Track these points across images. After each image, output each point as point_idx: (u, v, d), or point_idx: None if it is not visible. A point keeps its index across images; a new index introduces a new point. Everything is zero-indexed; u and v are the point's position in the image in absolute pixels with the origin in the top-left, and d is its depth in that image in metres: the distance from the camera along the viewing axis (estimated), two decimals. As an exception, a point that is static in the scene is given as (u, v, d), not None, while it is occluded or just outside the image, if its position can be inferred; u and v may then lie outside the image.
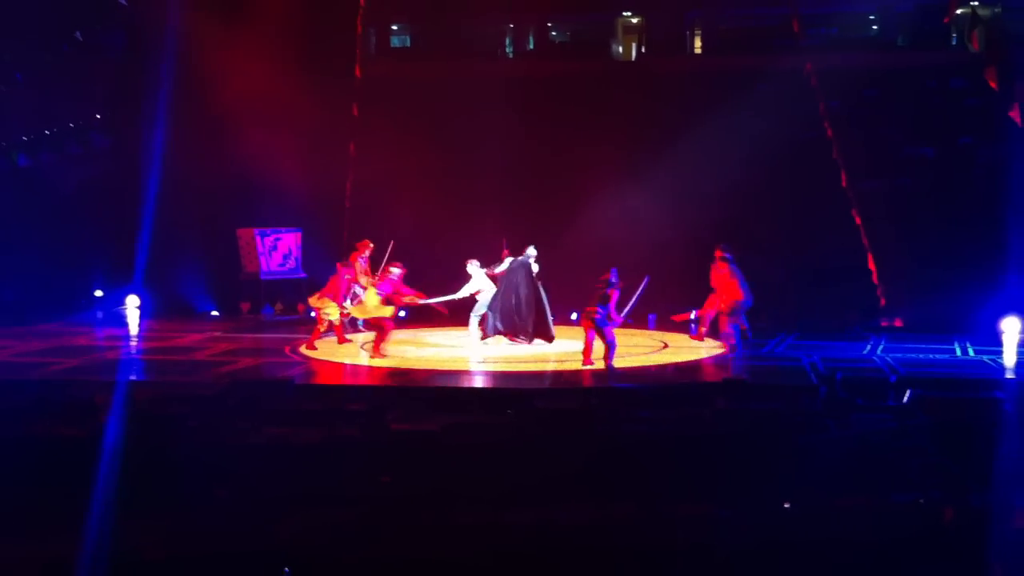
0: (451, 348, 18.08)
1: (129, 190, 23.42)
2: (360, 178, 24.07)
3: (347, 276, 17.70)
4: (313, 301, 17.63)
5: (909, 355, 16.98)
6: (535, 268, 18.17)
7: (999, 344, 17.82)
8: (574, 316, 19.02)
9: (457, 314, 19.17)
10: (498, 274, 18.23)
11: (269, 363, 16.77)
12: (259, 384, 14.44)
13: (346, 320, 18.29)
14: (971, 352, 17.38)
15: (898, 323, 20.64)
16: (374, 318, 16.65)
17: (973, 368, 16.13)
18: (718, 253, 17.57)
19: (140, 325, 21.84)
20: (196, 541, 7.79)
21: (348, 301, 17.81)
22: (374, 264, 18.26)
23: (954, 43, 26.09)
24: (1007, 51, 19.06)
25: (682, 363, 16.60)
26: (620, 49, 29.53)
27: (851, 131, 22.90)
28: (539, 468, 9.12)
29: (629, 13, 29.50)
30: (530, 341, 17.95)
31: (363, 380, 15.52)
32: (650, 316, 20.04)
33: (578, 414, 11.77)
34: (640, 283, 17.06)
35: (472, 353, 17.49)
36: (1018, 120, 18.56)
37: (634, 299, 16.62)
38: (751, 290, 17.46)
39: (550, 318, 18.17)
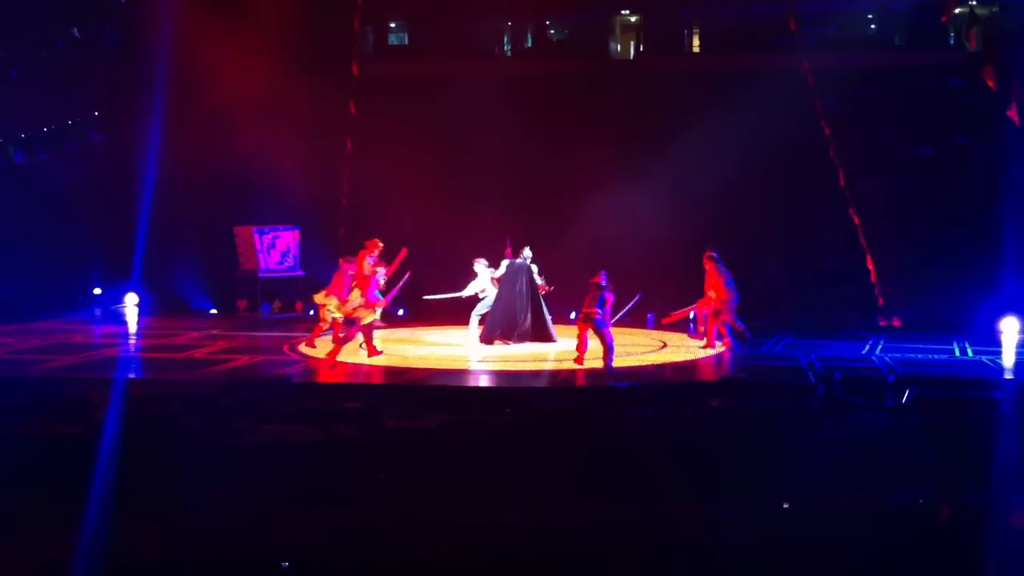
0: (450, 347, 18.07)
1: (126, 188, 23.43)
2: (358, 176, 24.05)
3: (350, 272, 17.64)
4: (319, 298, 17.55)
5: (907, 355, 16.99)
6: (535, 269, 18.14)
7: (997, 344, 17.83)
8: (573, 315, 19.01)
9: (456, 313, 19.18)
10: (496, 278, 18.21)
11: (267, 361, 16.76)
12: (256, 382, 14.42)
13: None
14: (969, 352, 17.39)
15: (896, 323, 20.65)
16: (350, 313, 16.41)
17: (971, 368, 16.13)
18: (706, 254, 17.55)
19: (138, 323, 21.83)
20: (193, 541, 7.78)
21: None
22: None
23: (952, 42, 26.07)
24: (1005, 50, 19.03)
25: (680, 362, 16.60)
26: (618, 48, 29.50)
27: (848, 130, 22.87)
28: (537, 467, 9.11)
29: (627, 12, 29.47)
30: (529, 340, 17.94)
31: (361, 379, 15.50)
32: (649, 316, 20.04)
33: (577, 413, 11.77)
34: (632, 297, 17.16)
35: (471, 352, 17.47)
36: (1016, 119, 18.53)
37: (622, 312, 16.62)
38: (738, 289, 17.41)
39: (549, 319, 18.16)
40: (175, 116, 23.19)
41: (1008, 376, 15.42)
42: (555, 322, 18.39)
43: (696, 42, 29.37)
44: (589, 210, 22.29)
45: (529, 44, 29.79)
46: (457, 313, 19.37)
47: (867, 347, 17.88)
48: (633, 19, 29.62)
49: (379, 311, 16.77)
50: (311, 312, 22.54)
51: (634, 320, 19.31)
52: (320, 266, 22.15)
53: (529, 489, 8.70)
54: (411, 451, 9.81)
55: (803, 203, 23.27)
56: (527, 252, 18.15)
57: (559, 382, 15.22)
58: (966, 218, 22.09)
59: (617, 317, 16.31)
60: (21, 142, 26.44)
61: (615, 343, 15.99)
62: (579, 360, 15.91)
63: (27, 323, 20.62)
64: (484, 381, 15.49)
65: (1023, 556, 7.70)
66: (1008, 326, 18.61)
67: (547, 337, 18.06)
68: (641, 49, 29.28)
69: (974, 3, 23.06)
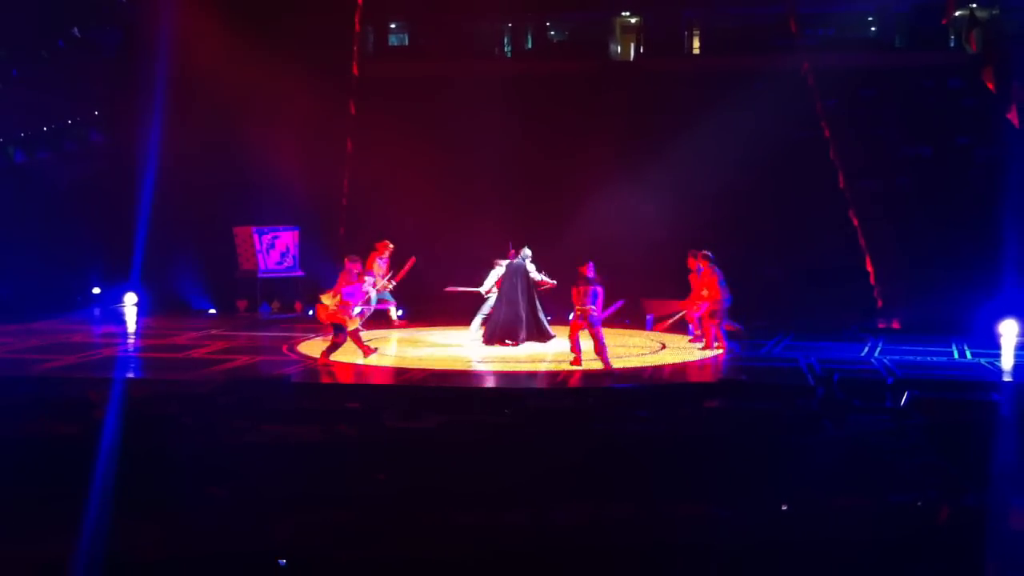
0: (449, 348, 18.07)
1: (126, 187, 23.43)
2: (358, 176, 24.05)
3: (356, 271, 17.64)
4: (326, 299, 17.51)
5: (906, 357, 16.98)
6: (531, 268, 18.13)
7: (996, 346, 17.83)
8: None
9: (455, 314, 19.19)
10: (498, 280, 18.22)
11: (266, 361, 16.76)
12: (256, 382, 14.43)
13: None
14: (968, 354, 17.39)
15: (895, 324, 20.64)
16: (331, 317, 16.33)
17: (970, 370, 16.14)
18: (700, 254, 17.54)
19: (137, 323, 21.82)
20: (192, 541, 7.78)
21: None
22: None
23: (952, 44, 26.10)
24: (1005, 52, 19.04)
25: (679, 364, 16.60)
26: (618, 49, 29.52)
27: (848, 131, 22.89)
28: (536, 468, 9.12)
29: (627, 13, 29.49)
30: (527, 340, 17.95)
31: (360, 379, 15.49)
32: (648, 317, 20.04)
33: (575, 414, 11.78)
34: (614, 304, 17.21)
35: (470, 353, 17.47)
36: (1015, 121, 18.54)
37: (603, 314, 16.68)
38: (731, 290, 17.42)
39: (544, 318, 18.15)
40: (175, 116, 23.20)
41: (1007, 378, 15.42)
42: (554, 322, 18.37)
43: (696, 43, 29.38)
44: (589, 210, 22.30)
45: (529, 45, 29.79)
46: (456, 314, 19.37)
47: (866, 349, 17.88)
48: (633, 20, 29.64)
49: (360, 313, 16.74)
50: (310, 312, 22.58)
51: (633, 322, 19.32)
52: (319, 266, 22.17)
53: (528, 489, 8.70)
54: (410, 451, 9.81)
55: (803, 204, 23.30)
56: (526, 251, 18.14)
57: (557, 383, 15.23)
58: (965, 220, 22.10)
59: (600, 317, 16.31)
60: (21, 141, 26.44)
61: (606, 343, 16.02)
62: (576, 361, 15.92)
63: (26, 323, 20.61)
64: (482, 382, 15.47)
65: (1022, 558, 7.70)
66: (1007, 328, 18.61)
67: (544, 336, 18.05)
68: (641, 50, 29.28)
69: (974, 5, 23.06)
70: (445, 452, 9.76)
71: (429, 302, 20.50)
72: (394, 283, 18.71)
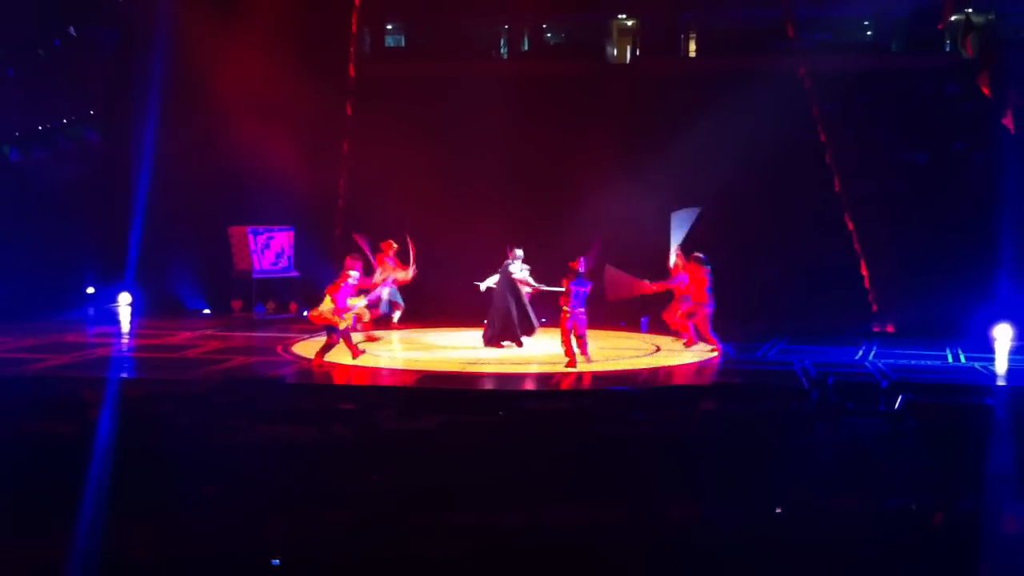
0: (446, 350, 18.07)
1: (122, 187, 23.39)
2: (354, 177, 24.05)
3: (350, 272, 17.66)
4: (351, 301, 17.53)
5: (901, 360, 16.99)
6: (516, 269, 18.10)
7: (990, 351, 17.85)
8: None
9: (453, 315, 19.19)
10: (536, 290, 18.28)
11: (261, 362, 16.75)
12: (251, 383, 14.42)
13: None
14: (962, 358, 17.40)
15: (890, 328, 20.66)
16: (325, 320, 16.35)
17: (964, 374, 16.15)
18: (692, 256, 17.56)
19: (132, 322, 21.80)
20: (187, 541, 7.77)
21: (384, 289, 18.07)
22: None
23: (948, 49, 26.13)
24: (1000, 57, 19.07)
25: (675, 366, 16.61)
26: (615, 51, 29.53)
27: (845, 134, 22.91)
28: (531, 469, 9.13)
29: (624, 16, 29.50)
30: (521, 343, 17.97)
31: (355, 380, 15.49)
32: (643, 320, 20.05)
33: (570, 416, 11.79)
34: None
35: (465, 354, 17.47)
36: (1011, 127, 18.58)
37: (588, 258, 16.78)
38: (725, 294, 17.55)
39: (532, 314, 18.19)
40: (171, 115, 23.17)
41: (1001, 382, 15.44)
42: (550, 323, 18.39)
43: (692, 46, 29.40)
44: (586, 211, 22.29)
45: (526, 47, 29.79)
46: (453, 315, 19.39)
47: (861, 352, 17.89)
48: (630, 23, 29.65)
49: (352, 315, 16.77)
50: (305, 313, 22.56)
51: (628, 324, 19.34)
52: (315, 267, 22.15)
53: (523, 490, 8.71)
54: (405, 452, 9.81)
55: (799, 207, 23.31)
56: (518, 253, 18.14)
57: (551, 384, 15.24)
58: (961, 224, 22.11)
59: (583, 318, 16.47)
60: (16, 140, 26.40)
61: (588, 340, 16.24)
62: (571, 363, 15.95)
63: (21, 322, 20.58)
64: (477, 383, 15.46)
65: (1016, 562, 7.71)
66: (1001, 333, 18.64)
67: (529, 330, 18.11)
68: (637, 53, 29.30)
69: (970, 10, 23.08)
70: (440, 453, 9.76)
71: (426, 302, 20.48)
72: (415, 269, 18.68)
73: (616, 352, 17.74)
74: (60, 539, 7.48)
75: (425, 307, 20.39)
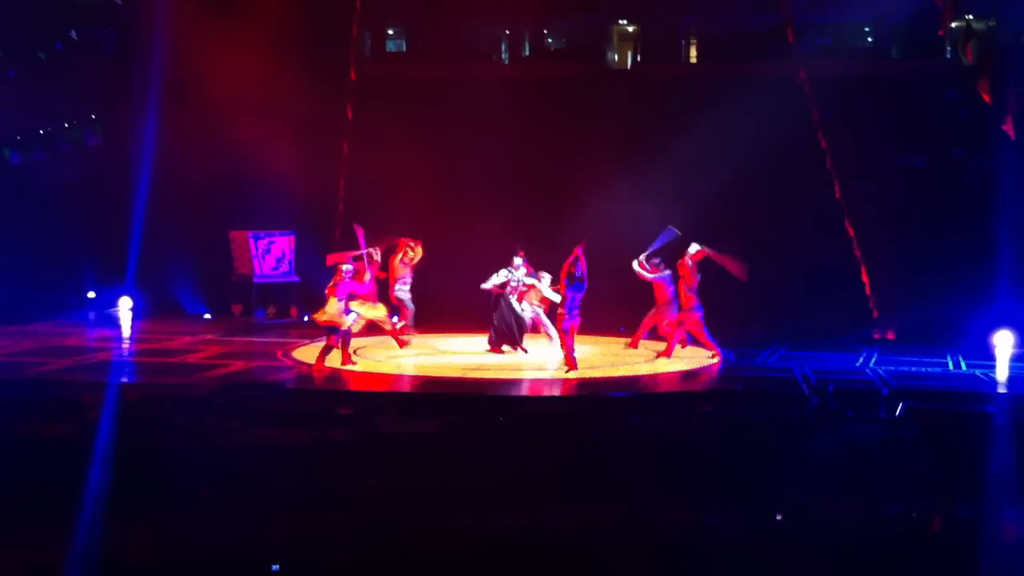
0: (446, 354, 18.07)
1: (122, 190, 23.37)
2: (354, 181, 24.03)
3: (347, 271, 17.70)
4: (356, 306, 17.57)
5: (901, 367, 16.99)
6: (520, 275, 18.11)
7: (991, 358, 17.83)
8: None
9: (455, 319, 19.19)
10: (495, 289, 18.24)
11: (261, 367, 16.75)
12: (251, 387, 14.42)
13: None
14: (963, 365, 17.40)
15: (891, 335, 20.65)
16: (326, 322, 16.38)
17: (965, 381, 16.14)
18: (681, 263, 17.59)
19: (132, 326, 21.78)
20: (186, 542, 7.78)
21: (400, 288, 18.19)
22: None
23: (948, 55, 26.14)
24: (1001, 64, 19.06)
25: (675, 372, 16.61)
26: (615, 57, 29.53)
27: (845, 140, 22.90)
28: (530, 472, 9.13)
29: (625, 21, 29.51)
30: (525, 350, 17.98)
31: (355, 385, 15.49)
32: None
33: (570, 421, 11.78)
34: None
35: (467, 359, 17.47)
36: (1011, 133, 18.56)
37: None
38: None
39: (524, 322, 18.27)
40: (172, 118, 23.16)
41: (1001, 390, 15.43)
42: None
43: (693, 51, 29.41)
44: (586, 214, 22.27)
45: (527, 52, 29.80)
46: (453, 318, 19.38)
47: (861, 359, 17.88)
48: (630, 28, 29.66)
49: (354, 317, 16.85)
50: (305, 318, 22.56)
51: (628, 330, 19.31)
52: (315, 272, 22.13)
53: (520, 494, 8.71)
54: (404, 455, 9.82)
55: (799, 212, 23.30)
56: (516, 261, 18.15)
57: (552, 390, 15.24)
58: (961, 230, 22.11)
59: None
60: (16, 143, 26.39)
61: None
62: (572, 368, 16.01)
63: (21, 325, 20.58)
64: (477, 388, 15.43)
65: (1015, 569, 7.70)
66: (1001, 340, 18.63)
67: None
68: (638, 58, 29.30)
69: (971, 16, 23.10)
70: (439, 455, 9.77)
71: (426, 303, 20.46)
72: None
73: (615, 358, 17.74)
74: (59, 540, 7.48)
75: (425, 309, 20.37)
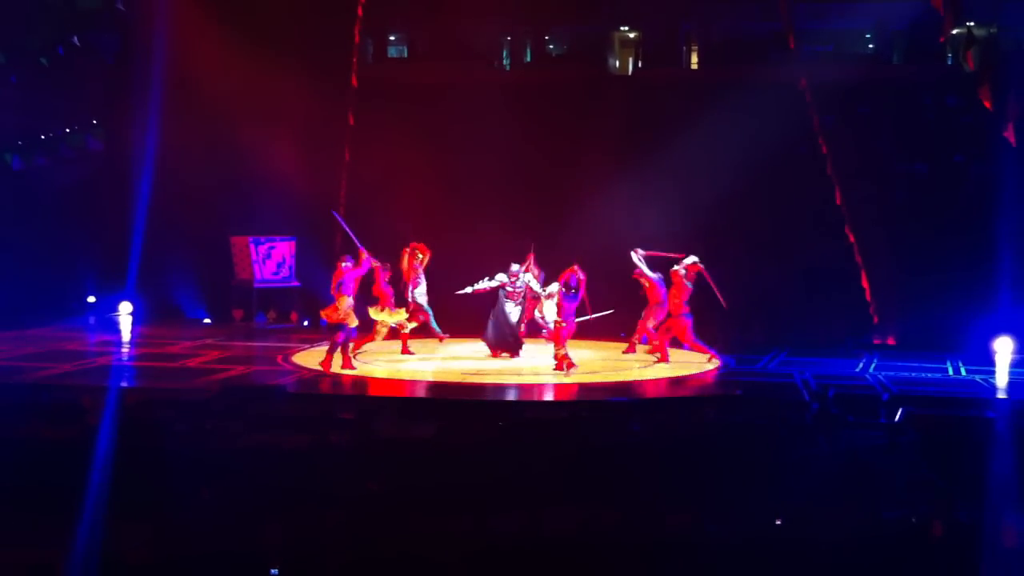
0: (446, 359, 18.08)
1: (123, 195, 23.40)
2: (356, 187, 24.06)
3: (385, 279, 17.81)
4: (374, 313, 17.61)
5: (901, 373, 17.01)
6: (527, 279, 18.15)
7: (991, 363, 17.85)
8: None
9: (455, 322, 19.21)
10: (482, 290, 18.28)
11: (261, 371, 16.76)
12: (251, 391, 14.42)
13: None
14: (963, 371, 17.41)
15: (891, 341, 20.66)
16: (338, 319, 16.44)
17: (965, 387, 16.16)
18: (674, 270, 17.61)
19: (132, 331, 21.80)
20: (185, 543, 7.78)
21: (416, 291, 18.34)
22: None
23: (949, 61, 26.15)
24: (1002, 70, 19.09)
25: (674, 377, 16.62)
26: (616, 63, 29.55)
27: (845, 146, 22.93)
28: (529, 476, 9.13)
29: (626, 27, 29.54)
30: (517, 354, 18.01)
31: (354, 390, 15.51)
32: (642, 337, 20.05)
33: (569, 425, 11.78)
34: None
35: (465, 364, 17.48)
36: (1012, 140, 18.58)
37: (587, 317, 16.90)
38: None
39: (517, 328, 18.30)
40: (172, 123, 23.20)
41: (1001, 396, 15.45)
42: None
43: (694, 57, 29.43)
44: (588, 220, 22.32)
45: (528, 58, 29.83)
46: (452, 321, 19.36)
47: (861, 365, 17.90)
48: (631, 35, 29.68)
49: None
50: (305, 323, 22.59)
51: (628, 334, 19.32)
52: (316, 277, 22.15)
53: (521, 498, 8.72)
54: (403, 459, 9.82)
55: (799, 218, 23.32)
56: (514, 267, 18.18)
57: (550, 395, 15.26)
58: (961, 237, 22.12)
59: (581, 319, 16.65)
60: (18, 147, 26.42)
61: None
62: (560, 367, 16.13)
63: (21, 330, 20.59)
64: (476, 394, 15.44)
65: (1015, 574, 7.70)
66: (1002, 346, 18.63)
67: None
68: (639, 64, 29.33)
69: (972, 23, 23.09)
70: (439, 460, 9.77)
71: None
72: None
73: (614, 363, 17.75)
74: (60, 541, 7.49)
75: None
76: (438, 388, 15.66)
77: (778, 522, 8.45)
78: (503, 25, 28.77)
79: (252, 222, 23.67)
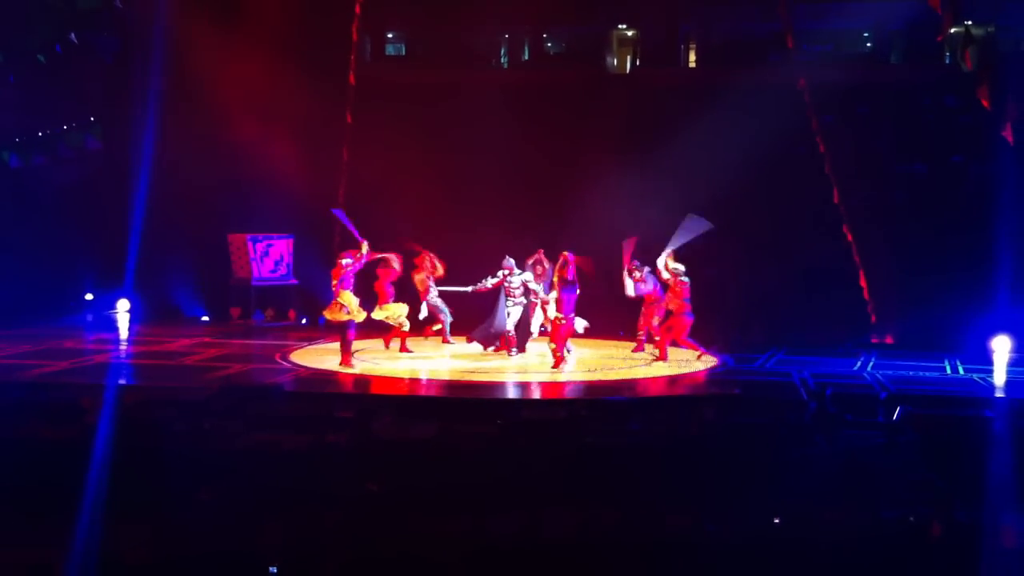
0: (445, 358, 18.08)
1: (121, 193, 23.38)
2: (354, 185, 24.05)
3: (390, 279, 17.84)
4: (377, 314, 17.63)
5: (899, 372, 17.02)
6: (526, 278, 18.15)
7: (989, 362, 17.86)
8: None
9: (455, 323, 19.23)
10: (482, 288, 18.29)
11: (259, 369, 16.76)
12: (248, 389, 14.42)
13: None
14: (961, 370, 17.42)
15: (889, 339, 20.67)
16: (344, 319, 16.48)
17: (963, 386, 16.17)
18: (672, 268, 17.61)
19: (130, 329, 21.79)
20: (185, 544, 7.78)
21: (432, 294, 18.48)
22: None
23: (948, 61, 26.17)
24: (1000, 70, 19.09)
25: (672, 376, 16.62)
26: (615, 61, 29.56)
27: (844, 146, 22.94)
28: (528, 475, 9.13)
29: (624, 26, 29.55)
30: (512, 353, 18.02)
31: (352, 388, 15.52)
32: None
33: (567, 425, 11.77)
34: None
35: (463, 363, 17.48)
36: (1010, 139, 18.59)
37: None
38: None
39: (508, 328, 18.28)
40: (171, 122, 23.19)
41: (999, 394, 15.45)
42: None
43: (692, 57, 29.45)
44: (586, 219, 22.29)
45: (526, 56, 29.83)
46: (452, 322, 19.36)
47: (859, 364, 17.91)
48: (630, 34, 29.69)
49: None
50: (304, 321, 22.58)
51: (627, 333, 19.35)
52: (313, 275, 22.15)
53: (520, 498, 8.71)
54: (402, 459, 9.81)
55: (797, 217, 23.34)
56: (508, 261, 18.17)
57: (548, 393, 15.27)
58: (959, 236, 22.14)
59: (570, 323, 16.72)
60: (16, 146, 26.40)
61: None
62: (556, 364, 16.41)
63: (19, 328, 20.57)
64: (474, 392, 15.44)
65: (1014, 574, 7.70)
66: (1000, 344, 18.64)
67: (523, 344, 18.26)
68: (638, 63, 29.33)
69: (970, 22, 23.11)
70: (438, 459, 9.77)
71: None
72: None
73: (613, 362, 17.75)
74: (59, 541, 7.48)
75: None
76: (437, 386, 15.66)
77: (776, 521, 8.45)
78: (501, 24, 28.77)
79: (250, 220, 23.66)
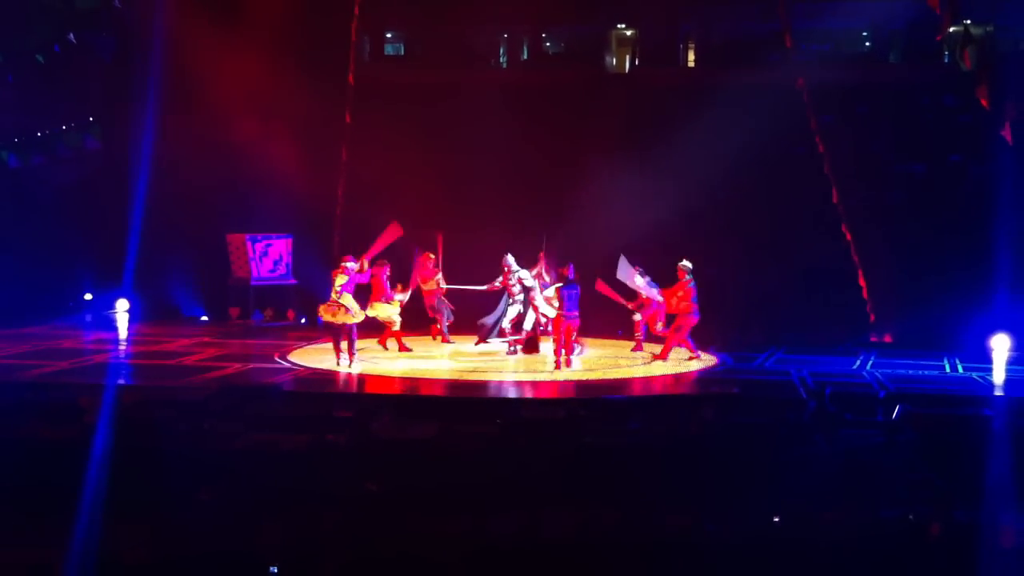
0: (444, 357, 18.08)
1: (120, 193, 23.39)
2: (353, 185, 24.05)
3: (386, 275, 17.83)
4: (370, 311, 17.63)
5: (898, 371, 17.02)
6: (524, 275, 18.19)
7: (988, 361, 17.86)
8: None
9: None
10: (492, 287, 18.32)
11: (257, 369, 16.75)
12: (247, 389, 14.41)
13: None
14: (960, 369, 17.43)
15: (888, 339, 20.68)
16: (343, 320, 16.51)
17: (962, 385, 16.18)
18: (681, 266, 17.62)
19: (129, 329, 21.78)
20: (184, 544, 7.78)
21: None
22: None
23: (947, 60, 26.17)
24: (999, 69, 19.11)
25: (671, 376, 16.62)
26: (614, 61, 29.57)
27: (843, 146, 22.95)
28: (528, 475, 9.13)
29: (623, 26, 29.56)
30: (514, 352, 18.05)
31: (350, 388, 15.51)
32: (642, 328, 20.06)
33: (566, 424, 11.78)
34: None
35: (462, 363, 17.48)
36: (1009, 138, 18.60)
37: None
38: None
39: (505, 323, 18.32)
40: (169, 122, 23.19)
41: (998, 393, 15.46)
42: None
43: (691, 56, 29.46)
44: (584, 218, 22.32)
45: (525, 56, 29.84)
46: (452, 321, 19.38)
47: (858, 363, 17.91)
48: (629, 33, 29.69)
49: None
50: (303, 320, 22.58)
51: (625, 332, 19.35)
52: (313, 275, 22.15)
53: (519, 497, 8.71)
54: (401, 459, 9.81)
55: (796, 217, 23.35)
56: (508, 258, 18.19)
57: (548, 393, 15.27)
58: (958, 235, 22.16)
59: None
60: (15, 146, 26.40)
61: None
62: (557, 366, 16.19)
63: (18, 328, 20.57)
64: (473, 392, 15.44)
65: (1012, 573, 7.71)
66: (999, 343, 18.65)
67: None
68: (636, 63, 29.34)
69: (968, 22, 23.13)
70: (437, 459, 9.77)
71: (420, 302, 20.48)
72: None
73: (611, 361, 17.75)
74: (58, 541, 7.48)
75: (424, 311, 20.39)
76: (436, 386, 15.66)
77: (775, 520, 8.45)
78: (500, 24, 28.78)
79: (249, 220, 23.66)
